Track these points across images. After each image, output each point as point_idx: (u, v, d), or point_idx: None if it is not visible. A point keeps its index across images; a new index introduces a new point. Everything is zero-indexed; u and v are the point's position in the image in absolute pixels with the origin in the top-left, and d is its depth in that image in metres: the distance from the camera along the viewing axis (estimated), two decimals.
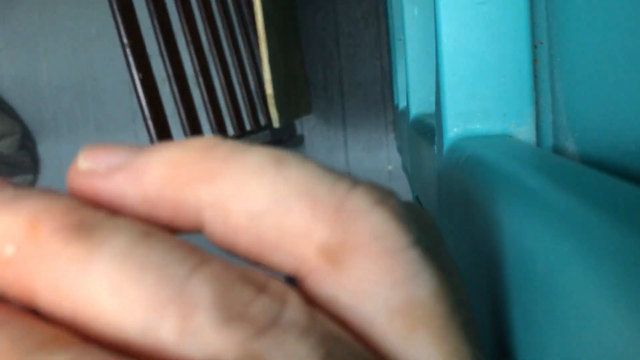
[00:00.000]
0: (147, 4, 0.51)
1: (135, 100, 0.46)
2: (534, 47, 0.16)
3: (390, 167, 0.93)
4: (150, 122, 0.47)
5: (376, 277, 0.08)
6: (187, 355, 0.07)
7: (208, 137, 0.09)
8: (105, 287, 0.07)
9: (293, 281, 0.08)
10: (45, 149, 1.15)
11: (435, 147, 0.19)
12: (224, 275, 0.07)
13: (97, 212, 0.08)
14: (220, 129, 0.64)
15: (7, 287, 0.07)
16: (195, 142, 0.08)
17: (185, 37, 0.60)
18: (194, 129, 0.55)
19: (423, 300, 0.08)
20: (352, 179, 0.08)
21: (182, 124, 0.55)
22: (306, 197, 0.08)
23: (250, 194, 0.08)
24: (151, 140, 0.47)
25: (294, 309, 0.07)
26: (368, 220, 0.08)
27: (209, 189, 0.08)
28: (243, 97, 0.76)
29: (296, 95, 0.80)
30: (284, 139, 0.86)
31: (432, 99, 0.38)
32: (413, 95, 0.38)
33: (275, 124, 0.67)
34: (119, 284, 0.07)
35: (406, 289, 0.08)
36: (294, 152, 0.08)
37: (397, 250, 0.08)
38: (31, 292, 0.07)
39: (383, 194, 0.08)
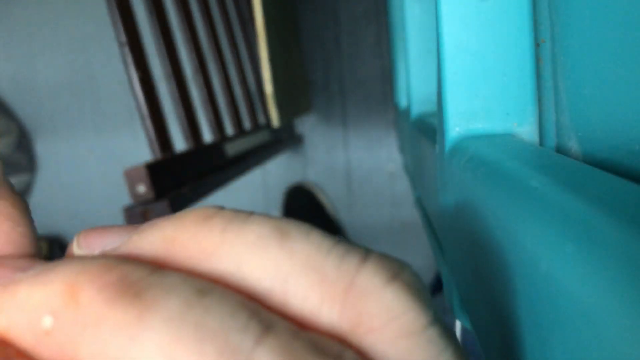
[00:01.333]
0: (145, 2, 0.51)
1: (133, 99, 0.46)
2: (537, 45, 0.15)
3: (391, 167, 0.93)
4: (148, 121, 0.47)
5: None
6: None
7: (203, 208, 0.08)
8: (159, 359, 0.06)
9: None
10: (42, 149, 1.14)
11: (437, 146, 0.19)
12: (294, 345, 0.07)
13: (140, 267, 0.07)
14: (219, 129, 0.64)
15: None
16: (190, 216, 0.08)
17: (184, 36, 0.60)
18: (192, 128, 0.55)
19: None
20: (362, 251, 0.08)
21: (180, 123, 0.54)
22: (313, 274, 0.07)
23: (251, 271, 0.07)
24: (149, 140, 0.47)
25: None
26: (382, 299, 0.07)
27: (207, 267, 0.07)
28: (242, 96, 0.76)
29: (296, 94, 0.80)
30: (284, 138, 0.86)
31: (434, 98, 0.38)
32: (414, 94, 0.38)
33: (275, 123, 0.67)
34: (174, 355, 0.06)
35: None
36: (295, 222, 0.08)
37: (416, 332, 0.07)
38: None
39: (396, 268, 0.07)
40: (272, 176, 1.00)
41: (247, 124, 0.76)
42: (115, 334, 0.06)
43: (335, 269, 0.07)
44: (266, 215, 0.08)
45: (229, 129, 0.70)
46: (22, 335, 0.07)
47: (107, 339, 0.06)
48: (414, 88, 0.38)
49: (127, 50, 0.45)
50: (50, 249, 1.06)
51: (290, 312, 0.07)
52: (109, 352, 0.06)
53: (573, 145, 0.14)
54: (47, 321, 0.07)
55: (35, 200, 1.15)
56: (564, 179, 0.09)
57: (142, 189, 0.41)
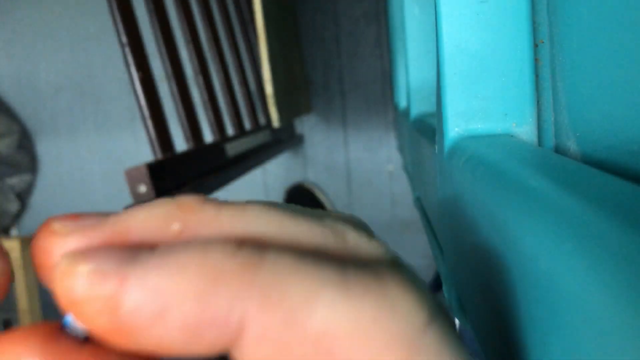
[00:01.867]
0: (146, 3, 0.51)
1: (134, 99, 0.46)
2: (536, 46, 0.16)
3: (390, 167, 0.93)
4: (149, 122, 0.47)
5: None
6: None
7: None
8: (278, 215, 0.09)
9: None
10: (43, 149, 1.14)
11: (436, 146, 0.19)
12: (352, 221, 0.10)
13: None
14: (219, 129, 0.64)
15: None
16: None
17: (185, 36, 0.60)
18: (193, 129, 0.55)
19: None
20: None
21: (181, 123, 0.54)
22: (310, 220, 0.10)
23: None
24: (150, 140, 0.47)
25: None
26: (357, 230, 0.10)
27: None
28: (242, 97, 0.76)
29: (296, 95, 0.80)
30: (284, 138, 0.86)
31: (433, 98, 0.38)
32: (414, 94, 0.38)
33: (275, 123, 0.67)
34: (280, 217, 0.09)
35: None
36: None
37: (373, 238, 0.09)
38: None
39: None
40: (272, 176, 1.00)
41: (247, 124, 0.76)
42: (232, 215, 0.09)
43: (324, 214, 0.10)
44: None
45: (230, 129, 0.70)
46: (155, 241, 0.09)
47: (230, 221, 0.09)
48: (413, 88, 0.38)
49: (128, 51, 0.45)
50: None
51: None
52: (237, 227, 0.09)
53: (571, 145, 0.14)
54: (176, 226, 0.09)
55: (37, 200, 1.15)
56: (562, 179, 0.10)
57: (143, 188, 0.41)
